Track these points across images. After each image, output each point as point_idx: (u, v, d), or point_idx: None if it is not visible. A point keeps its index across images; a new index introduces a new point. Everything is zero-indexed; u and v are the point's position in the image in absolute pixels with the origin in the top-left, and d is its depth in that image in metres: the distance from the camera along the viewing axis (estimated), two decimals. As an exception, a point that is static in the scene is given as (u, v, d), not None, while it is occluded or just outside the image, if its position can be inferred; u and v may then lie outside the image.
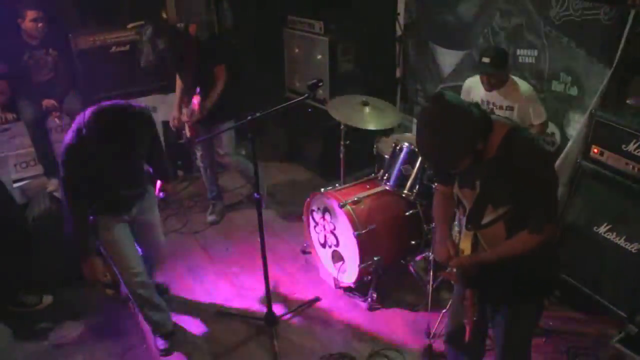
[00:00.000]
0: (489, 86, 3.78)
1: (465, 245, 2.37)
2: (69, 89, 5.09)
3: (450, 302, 3.19)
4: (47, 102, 4.97)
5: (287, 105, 3.44)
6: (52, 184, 5.13)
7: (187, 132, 4.70)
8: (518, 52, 4.36)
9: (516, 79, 3.82)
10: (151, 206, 3.53)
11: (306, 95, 3.34)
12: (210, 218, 5.13)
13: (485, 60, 3.67)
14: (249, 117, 3.25)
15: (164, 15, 5.73)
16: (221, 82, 4.50)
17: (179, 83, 4.73)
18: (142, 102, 5.33)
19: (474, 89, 3.98)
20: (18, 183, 5.09)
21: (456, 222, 2.56)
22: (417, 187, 3.76)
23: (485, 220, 2.29)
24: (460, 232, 2.47)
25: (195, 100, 4.43)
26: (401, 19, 5.48)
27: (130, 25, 5.42)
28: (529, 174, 2.10)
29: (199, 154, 5.00)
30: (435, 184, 2.69)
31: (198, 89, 4.48)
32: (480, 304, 2.44)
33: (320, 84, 3.33)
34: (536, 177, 2.11)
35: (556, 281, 2.46)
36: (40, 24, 4.83)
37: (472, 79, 4.04)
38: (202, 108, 4.45)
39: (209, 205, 5.21)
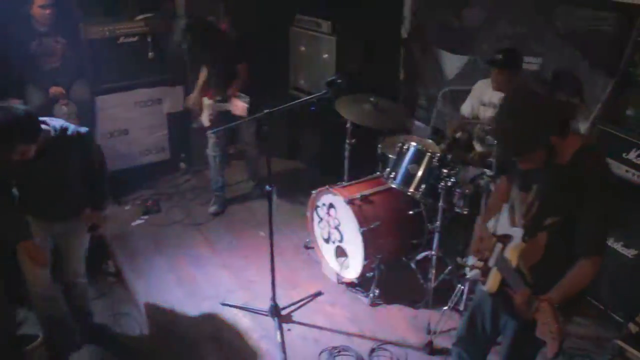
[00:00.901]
0: (496, 84, 3.88)
1: (513, 256, 2.32)
2: (76, 77, 5.11)
3: (468, 306, 3.31)
4: (54, 90, 4.98)
5: (307, 100, 3.51)
6: None
7: (206, 121, 4.87)
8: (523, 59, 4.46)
9: None
10: (76, 232, 3.35)
11: (325, 91, 3.41)
12: (212, 209, 5.19)
13: (498, 56, 3.81)
14: (266, 111, 3.32)
15: (172, 7, 5.75)
16: (242, 80, 4.72)
17: (203, 74, 5.01)
18: (149, 93, 5.43)
19: (484, 91, 4.09)
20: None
21: (492, 221, 2.54)
22: (423, 186, 3.84)
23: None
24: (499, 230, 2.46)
25: (239, 103, 4.64)
26: (407, 22, 5.56)
27: (139, 17, 5.46)
28: (595, 190, 2.11)
29: (211, 141, 5.04)
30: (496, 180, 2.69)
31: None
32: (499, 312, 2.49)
33: (340, 80, 3.40)
34: (601, 195, 2.12)
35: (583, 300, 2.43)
36: (47, 11, 4.83)
37: (483, 81, 4.14)
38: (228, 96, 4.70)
39: (212, 197, 5.26)
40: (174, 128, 5.75)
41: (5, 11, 4.80)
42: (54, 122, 3.01)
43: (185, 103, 5.03)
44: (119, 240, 4.71)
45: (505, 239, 2.41)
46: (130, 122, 5.45)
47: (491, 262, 2.46)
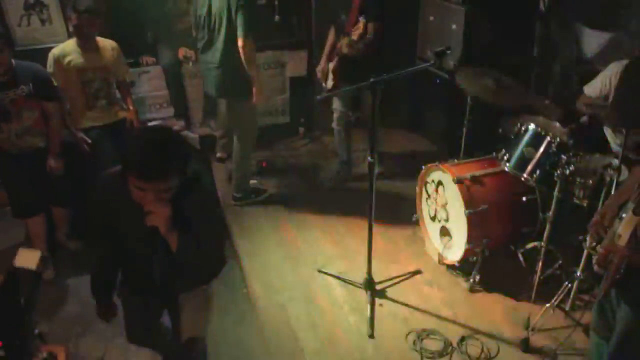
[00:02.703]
0: None
1: (625, 231, 2.19)
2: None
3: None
4: (184, 51, 5.22)
5: (411, 70, 3.36)
6: (178, 125, 5.50)
7: (330, 84, 4.79)
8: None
9: None
10: None
11: (432, 62, 3.25)
12: (329, 182, 5.19)
13: None
14: (372, 80, 3.22)
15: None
16: (371, 39, 4.51)
17: (331, 37, 4.87)
18: (273, 56, 5.50)
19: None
20: (150, 123, 5.42)
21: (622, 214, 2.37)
22: (537, 172, 3.56)
23: None
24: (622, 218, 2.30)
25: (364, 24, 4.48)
26: (546, -6, 5.15)
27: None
28: None
29: (335, 115, 5.01)
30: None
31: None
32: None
33: (448, 51, 3.22)
34: None
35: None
36: None
37: (620, 62, 3.69)
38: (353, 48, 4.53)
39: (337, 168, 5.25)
40: (296, 92, 5.80)
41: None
42: None
43: (318, 75, 4.95)
44: (229, 197, 4.87)
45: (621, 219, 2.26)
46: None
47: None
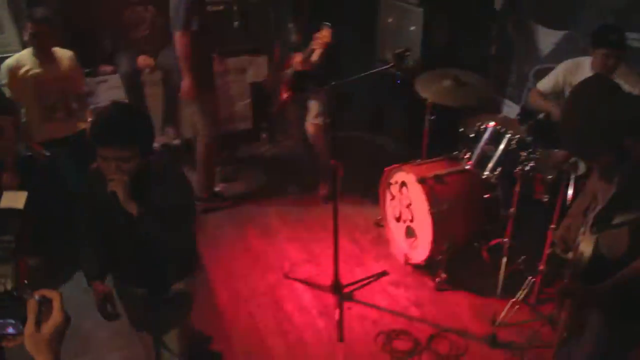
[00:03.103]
0: (604, 67, 3.49)
1: (586, 248, 2.17)
2: (164, 45, 5.22)
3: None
4: (143, 59, 5.15)
5: (371, 73, 3.37)
6: None
7: (284, 94, 4.69)
8: (627, 35, 4.05)
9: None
10: None
11: (391, 64, 3.27)
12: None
13: (612, 37, 3.44)
14: (333, 83, 3.22)
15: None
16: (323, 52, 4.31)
17: (279, 50, 4.79)
18: (233, 62, 5.46)
19: (580, 70, 3.72)
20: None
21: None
22: (498, 169, 3.62)
23: (614, 221, 2.09)
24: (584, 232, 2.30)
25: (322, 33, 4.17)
26: (501, -7, 5.24)
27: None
28: None
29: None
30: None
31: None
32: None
33: (408, 53, 3.25)
34: None
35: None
36: None
37: (574, 59, 3.79)
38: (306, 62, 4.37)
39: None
40: (257, 97, 5.77)
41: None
42: None
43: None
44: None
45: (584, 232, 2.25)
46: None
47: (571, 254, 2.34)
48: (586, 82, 2.05)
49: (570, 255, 2.39)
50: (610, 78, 1.93)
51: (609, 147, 1.92)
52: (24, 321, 1.34)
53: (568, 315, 2.05)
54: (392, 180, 4.13)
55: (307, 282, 3.92)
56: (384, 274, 4.03)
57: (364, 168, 5.16)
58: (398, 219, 4.16)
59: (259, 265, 4.14)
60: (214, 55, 4.74)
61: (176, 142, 5.53)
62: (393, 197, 4.17)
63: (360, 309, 3.71)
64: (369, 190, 4.80)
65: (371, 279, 3.97)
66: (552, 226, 3.31)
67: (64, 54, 4.04)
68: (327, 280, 3.81)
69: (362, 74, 3.32)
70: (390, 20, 5.48)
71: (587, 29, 4.21)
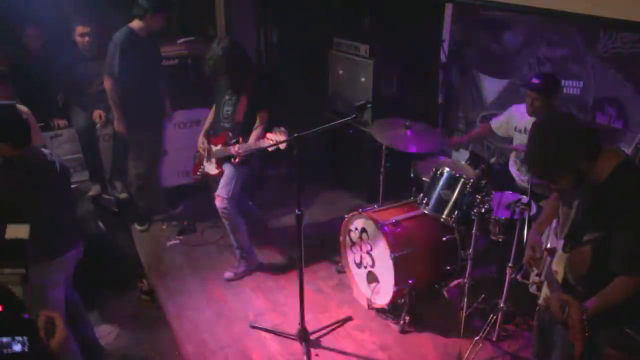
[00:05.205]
0: (533, 109, 3.81)
1: (560, 268, 2.37)
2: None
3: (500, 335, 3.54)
4: (97, 114, 5.16)
5: (332, 125, 3.49)
6: (94, 190, 5.42)
7: (213, 169, 4.41)
8: (563, 82, 4.36)
9: None
10: None
11: (353, 115, 3.40)
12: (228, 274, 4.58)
13: (536, 80, 3.80)
14: (295, 135, 3.32)
15: (213, 31, 5.88)
16: (261, 128, 4.13)
17: (211, 115, 4.52)
18: (187, 115, 5.51)
19: (519, 116, 4.04)
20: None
21: (545, 234, 2.61)
22: (456, 212, 3.76)
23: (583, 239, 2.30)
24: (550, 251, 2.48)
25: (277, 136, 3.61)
26: (446, 45, 5.51)
27: (180, 41, 5.59)
28: (630, 209, 2.13)
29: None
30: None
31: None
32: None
33: (369, 105, 3.38)
34: (636, 214, 2.12)
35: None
36: (87, 39, 5.06)
37: (519, 105, 4.09)
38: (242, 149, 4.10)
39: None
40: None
41: (54, 37, 5.04)
42: None
43: (200, 149, 4.50)
44: (153, 259, 4.78)
45: (552, 252, 2.45)
46: (169, 143, 5.50)
47: (542, 275, 2.50)
48: (546, 117, 2.40)
49: (536, 279, 2.57)
50: (568, 113, 2.21)
51: (569, 171, 2.18)
52: (31, 339, 1.52)
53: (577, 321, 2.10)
54: (352, 227, 4.21)
55: (273, 331, 3.92)
56: (348, 319, 4.06)
57: (321, 218, 5.25)
58: (359, 265, 4.22)
59: (224, 316, 4.11)
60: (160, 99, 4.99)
61: (123, 196, 5.54)
62: (353, 244, 4.24)
63: (328, 355, 3.72)
64: (326, 237, 4.90)
65: (336, 325, 3.99)
66: (509, 265, 3.46)
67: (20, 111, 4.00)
68: (292, 328, 3.83)
69: (326, 125, 3.43)
70: (340, 72, 5.67)
71: (525, 77, 4.52)
